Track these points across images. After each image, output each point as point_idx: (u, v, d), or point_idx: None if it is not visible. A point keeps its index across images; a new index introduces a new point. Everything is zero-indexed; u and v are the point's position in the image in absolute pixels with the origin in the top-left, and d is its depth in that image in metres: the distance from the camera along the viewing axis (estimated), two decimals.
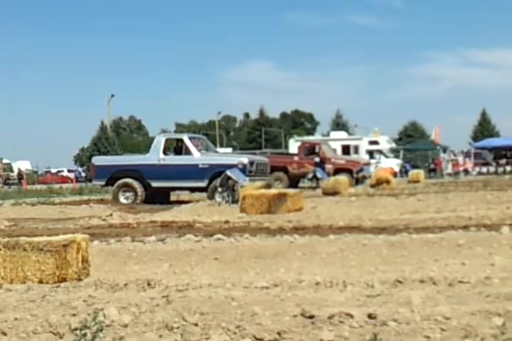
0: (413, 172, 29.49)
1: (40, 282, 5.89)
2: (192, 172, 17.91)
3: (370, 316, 4.17)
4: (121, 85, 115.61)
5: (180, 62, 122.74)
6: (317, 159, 26.08)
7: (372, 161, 35.16)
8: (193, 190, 19.21)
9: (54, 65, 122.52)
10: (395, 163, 38.99)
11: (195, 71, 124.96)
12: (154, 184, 18.43)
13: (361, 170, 26.59)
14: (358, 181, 25.58)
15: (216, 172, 17.32)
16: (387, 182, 22.33)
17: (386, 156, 41.12)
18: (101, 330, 3.54)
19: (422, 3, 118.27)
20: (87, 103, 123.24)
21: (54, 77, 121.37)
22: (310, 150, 27.26)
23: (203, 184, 17.81)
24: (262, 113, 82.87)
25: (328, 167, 25.88)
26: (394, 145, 48.60)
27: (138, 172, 18.55)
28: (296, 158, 27.21)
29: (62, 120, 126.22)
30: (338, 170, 25.50)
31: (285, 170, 26.09)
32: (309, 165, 25.81)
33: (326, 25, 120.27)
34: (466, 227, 9.20)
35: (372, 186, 22.11)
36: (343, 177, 20.26)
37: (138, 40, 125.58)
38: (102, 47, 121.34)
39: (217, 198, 16.09)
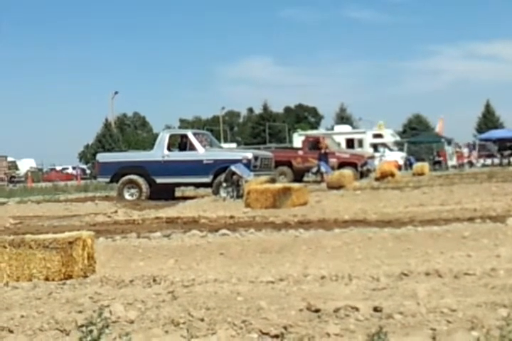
0: (417, 165, 29.39)
1: (46, 279, 5.91)
2: (196, 168, 17.93)
3: (375, 309, 4.17)
4: (124, 82, 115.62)
5: (182, 59, 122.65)
6: (322, 152, 26.05)
7: (377, 154, 35.16)
8: (197, 185, 19.26)
9: (58, 62, 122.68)
10: (399, 156, 38.93)
11: (197, 68, 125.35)
12: (159, 180, 18.44)
13: (365, 163, 26.58)
14: (362, 175, 25.58)
15: (221, 167, 17.33)
16: (392, 175, 22.30)
17: (390, 149, 41.06)
18: (107, 327, 3.53)
19: None
20: (91, 100, 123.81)
21: (58, 74, 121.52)
22: (314, 144, 27.25)
23: (207, 179, 17.84)
24: (265, 108, 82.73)
25: (333, 161, 25.87)
26: (398, 138, 48.55)
27: (142, 169, 18.58)
28: (300, 153, 27.21)
29: (67, 117, 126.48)
30: (342, 164, 25.52)
31: (289, 164, 26.10)
32: (313, 159, 25.80)
33: (324, 20, 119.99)
34: (471, 219, 9.19)
35: (377, 179, 22.08)
36: (347, 171, 20.22)
37: (141, 37, 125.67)
38: (105, 44, 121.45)
39: (222, 193, 16.07)
